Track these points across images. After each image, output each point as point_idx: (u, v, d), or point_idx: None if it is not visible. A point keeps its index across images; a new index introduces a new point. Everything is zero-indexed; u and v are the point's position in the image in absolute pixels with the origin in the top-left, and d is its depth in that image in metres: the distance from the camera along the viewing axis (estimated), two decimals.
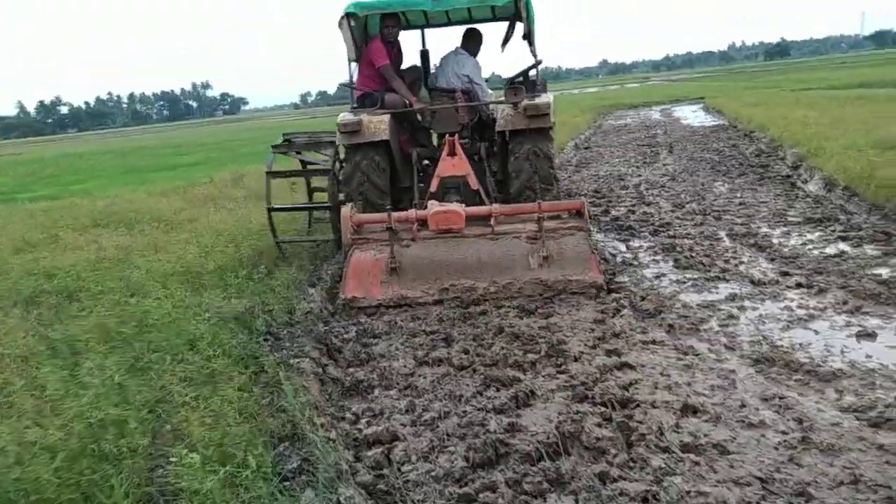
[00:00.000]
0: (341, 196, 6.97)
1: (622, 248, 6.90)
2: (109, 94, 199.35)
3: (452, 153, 6.66)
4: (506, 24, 7.89)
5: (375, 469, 3.17)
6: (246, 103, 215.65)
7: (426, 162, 7.22)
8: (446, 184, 6.63)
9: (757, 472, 2.87)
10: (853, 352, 3.99)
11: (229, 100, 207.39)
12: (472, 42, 7.42)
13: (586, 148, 16.67)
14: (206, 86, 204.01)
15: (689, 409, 3.43)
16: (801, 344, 4.14)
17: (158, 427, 3.42)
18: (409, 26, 7.86)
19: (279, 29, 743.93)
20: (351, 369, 4.39)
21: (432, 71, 7.65)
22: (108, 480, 2.87)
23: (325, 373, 4.27)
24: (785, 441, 3.08)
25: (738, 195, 8.96)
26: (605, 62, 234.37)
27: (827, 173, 8.86)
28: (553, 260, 5.61)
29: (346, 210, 6.16)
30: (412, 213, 6.03)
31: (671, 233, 7.22)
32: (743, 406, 3.44)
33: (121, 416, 3.31)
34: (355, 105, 7.09)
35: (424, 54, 8.21)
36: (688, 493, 2.76)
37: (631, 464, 3.02)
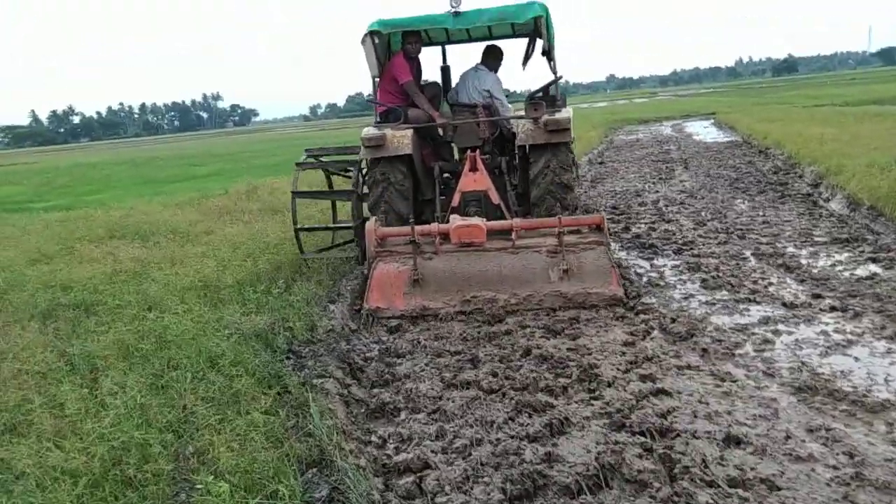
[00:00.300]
0: (365, 213, 7.08)
1: (646, 266, 6.78)
2: (121, 104, 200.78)
3: (474, 168, 6.78)
4: (525, 40, 7.98)
5: (407, 499, 3.05)
6: (256, 115, 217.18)
7: (447, 175, 7.32)
8: (468, 198, 6.72)
9: None
10: None
11: (239, 111, 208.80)
12: (491, 58, 7.53)
13: (600, 163, 16.56)
14: (217, 97, 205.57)
15: (732, 440, 3.30)
16: (842, 372, 4.00)
17: (182, 450, 3.32)
18: (430, 43, 7.96)
19: (289, 42, 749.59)
20: (375, 390, 4.28)
21: (453, 86, 7.71)
22: None
23: (350, 394, 4.17)
24: (837, 477, 2.95)
25: (761, 213, 8.83)
26: (612, 77, 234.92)
27: (850, 192, 8.73)
28: (573, 273, 5.69)
29: (370, 224, 6.27)
30: (434, 226, 6.10)
31: (695, 252, 7.10)
32: (788, 438, 3.30)
33: (144, 438, 3.21)
34: (378, 120, 7.18)
35: (445, 70, 8.31)
36: None
37: (675, 498, 2.89)
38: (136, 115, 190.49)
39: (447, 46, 8.31)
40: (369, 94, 7.38)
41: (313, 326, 5.18)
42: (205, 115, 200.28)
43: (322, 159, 7.98)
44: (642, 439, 3.35)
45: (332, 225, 8.18)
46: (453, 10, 6.66)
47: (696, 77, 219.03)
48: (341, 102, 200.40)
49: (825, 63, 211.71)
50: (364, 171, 7.28)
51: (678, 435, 3.38)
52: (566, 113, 6.84)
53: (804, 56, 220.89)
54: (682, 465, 3.09)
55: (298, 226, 7.40)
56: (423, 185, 7.21)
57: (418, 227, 6.02)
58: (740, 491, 2.89)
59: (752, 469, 3.05)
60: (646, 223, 8.83)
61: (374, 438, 3.65)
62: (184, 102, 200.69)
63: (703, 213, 9.17)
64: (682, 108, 42.45)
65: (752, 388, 3.90)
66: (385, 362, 4.70)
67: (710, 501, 2.82)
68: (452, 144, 7.56)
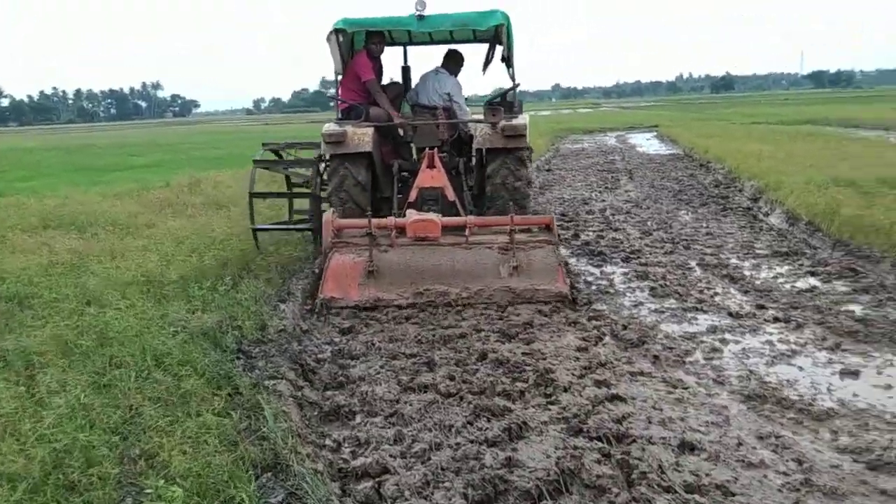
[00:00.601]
0: (323, 210, 7.21)
1: (596, 273, 6.87)
2: (54, 88, 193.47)
3: (432, 166, 6.91)
4: (486, 46, 8.18)
5: None
6: (197, 106, 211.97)
7: (405, 174, 7.43)
8: (424, 195, 6.84)
9: None
10: (840, 390, 3.99)
11: (180, 101, 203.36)
12: (452, 62, 7.73)
13: (548, 170, 16.77)
14: (157, 86, 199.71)
15: (686, 446, 3.36)
16: (788, 381, 4.13)
17: (127, 453, 3.17)
18: (392, 43, 8.13)
19: (234, 33, 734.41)
20: (329, 392, 4.19)
21: (413, 87, 7.84)
22: None
23: (303, 396, 4.07)
24: (787, 483, 3.03)
25: (704, 225, 9.08)
26: (557, 86, 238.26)
27: (788, 207, 9.06)
28: (522, 270, 5.93)
29: (327, 215, 6.42)
30: (391, 220, 6.26)
31: (643, 260, 7.23)
32: (740, 444, 3.38)
33: (88, 440, 3.05)
34: (340, 117, 7.29)
35: (406, 70, 8.47)
36: None
37: (634, 503, 2.92)
38: (70, 101, 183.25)
39: (409, 48, 8.49)
40: (332, 91, 7.58)
41: (263, 326, 5.05)
42: (143, 104, 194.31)
43: (281, 153, 8.01)
44: (600, 444, 3.37)
45: (290, 226, 8.20)
46: (418, 13, 6.79)
47: (637, 90, 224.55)
48: (286, 97, 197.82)
49: (760, 82, 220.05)
50: (323, 169, 7.47)
51: (634, 441, 3.42)
52: (523, 119, 7.03)
53: (741, 75, 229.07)
54: (639, 471, 3.12)
55: (255, 225, 7.46)
56: (381, 181, 7.34)
57: (375, 220, 6.14)
58: (696, 496, 2.94)
59: (706, 475, 3.11)
60: (594, 231, 8.96)
61: (328, 442, 3.57)
62: (122, 90, 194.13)
63: (648, 223, 9.37)
64: (626, 119, 43.43)
65: (703, 395, 3.99)
66: (338, 364, 4.61)
67: None
68: (412, 144, 7.71)
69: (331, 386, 4.29)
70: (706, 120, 36.06)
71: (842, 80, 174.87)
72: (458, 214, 6.69)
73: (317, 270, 6.23)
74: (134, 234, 8.51)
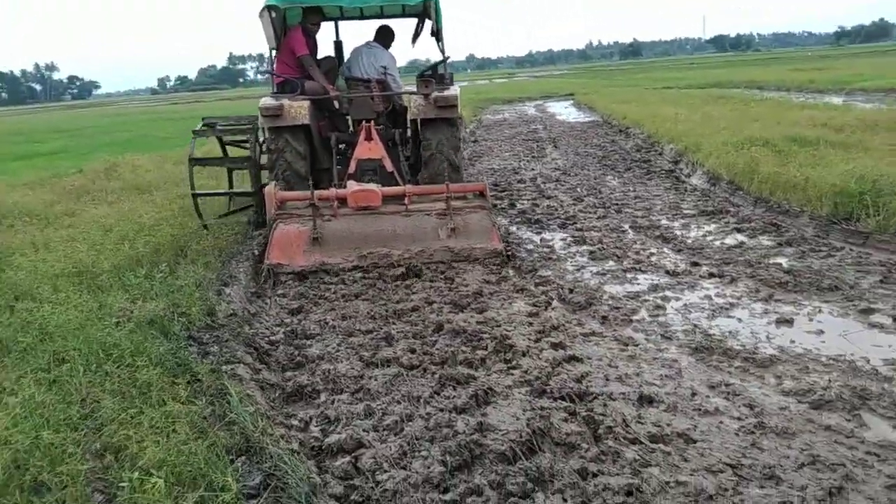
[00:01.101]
0: (264, 180, 7.45)
1: (536, 240, 7.02)
2: None
3: (369, 138, 7.15)
4: (415, 21, 8.55)
5: (345, 479, 3.00)
6: (98, 87, 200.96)
7: (343, 146, 7.68)
8: (363, 166, 7.09)
9: (726, 458, 2.98)
10: (777, 338, 4.26)
11: (78, 83, 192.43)
12: (383, 37, 7.99)
13: (474, 142, 16.86)
14: (52, 67, 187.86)
15: (645, 400, 3.53)
16: (730, 332, 4.37)
17: (89, 447, 3.07)
18: (324, 18, 8.25)
19: (134, 7, 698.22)
20: (288, 373, 4.16)
21: (345, 61, 7.99)
22: None
23: (263, 378, 4.02)
24: (743, 427, 3.23)
25: (632, 189, 9.38)
26: (472, 57, 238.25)
27: (709, 168, 9.47)
28: (460, 232, 6.34)
29: (269, 188, 6.62)
30: (333, 191, 6.53)
31: (578, 226, 7.43)
32: (694, 395, 3.57)
33: (53, 439, 2.93)
34: (276, 90, 7.56)
35: (338, 45, 8.75)
36: (667, 483, 2.82)
37: (603, 457, 3.05)
38: None
39: (340, 23, 8.77)
40: (266, 67, 7.90)
41: (211, 311, 4.94)
42: (38, 87, 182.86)
43: (218, 127, 7.96)
44: (564, 404, 3.50)
45: (229, 191, 8.25)
46: None
47: (550, 59, 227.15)
48: (193, 75, 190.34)
49: (666, 48, 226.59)
50: (262, 140, 7.71)
51: (596, 398, 3.56)
52: (454, 90, 7.31)
53: (647, 41, 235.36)
54: (605, 426, 3.25)
55: (195, 191, 7.47)
56: (319, 153, 7.56)
57: (317, 192, 6.39)
58: (661, 446, 3.10)
59: (668, 425, 3.28)
60: (528, 199, 9.12)
61: (295, 422, 3.56)
62: (12, 73, 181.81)
63: (578, 190, 9.61)
64: (541, 88, 43.99)
65: (654, 350, 4.17)
66: (294, 345, 4.57)
67: (638, 458, 3.01)
68: (347, 116, 7.93)
69: (289, 367, 4.25)
70: (619, 86, 36.98)
71: (741, 43, 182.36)
72: (396, 184, 6.99)
73: (255, 252, 6.28)
74: (54, 224, 8.08)
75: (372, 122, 7.23)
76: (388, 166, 7.10)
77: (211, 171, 10.10)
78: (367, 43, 7.83)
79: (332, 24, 8.71)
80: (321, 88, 7.39)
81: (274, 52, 7.57)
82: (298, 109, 6.96)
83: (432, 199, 6.62)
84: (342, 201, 6.43)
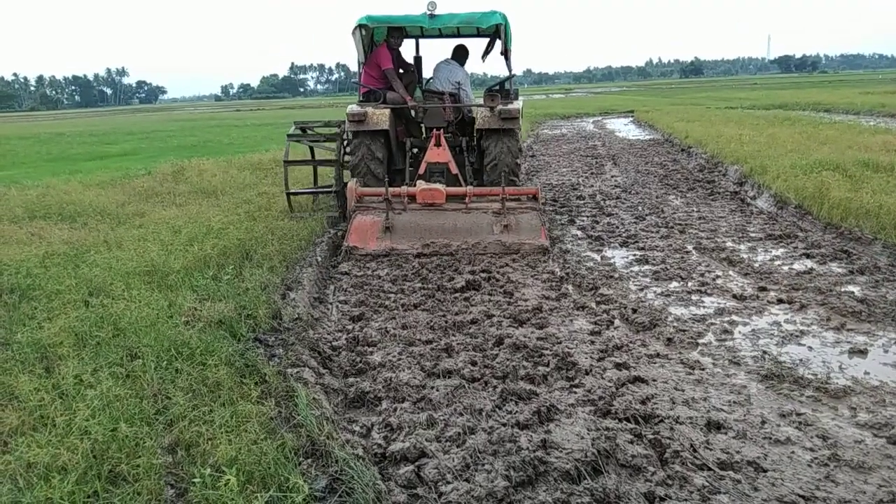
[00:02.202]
0: (346, 179, 8.48)
1: (597, 258, 6.96)
2: (15, 75, 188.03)
3: (438, 144, 8.12)
4: (486, 40, 9.39)
5: (408, 488, 3.02)
6: (164, 92, 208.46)
7: (416, 150, 8.64)
8: (432, 168, 8.09)
9: (798, 489, 2.89)
10: (851, 368, 4.12)
11: (146, 88, 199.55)
12: (460, 55, 8.91)
13: (531, 156, 16.82)
14: (122, 72, 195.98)
15: (713, 426, 3.45)
16: (800, 360, 4.25)
17: (161, 442, 3.16)
18: (407, 36, 9.23)
19: (200, 16, 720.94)
20: (350, 379, 4.21)
21: (429, 76, 9.12)
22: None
23: (326, 383, 4.08)
24: (816, 459, 3.13)
25: (695, 209, 9.21)
26: (529, 71, 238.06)
27: (776, 191, 9.23)
28: (511, 229, 7.17)
29: (351, 183, 7.68)
30: (404, 189, 7.53)
31: (640, 245, 7.34)
32: (764, 422, 3.48)
33: (130, 432, 3.03)
34: (361, 99, 8.55)
35: (418, 60, 9.70)
36: None
37: (670, 481, 2.99)
38: (32, 88, 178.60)
39: (420, 40, 9.79)
40: (355, 77, 8.91)
41: (276, 314, 5.04)
42: (109, 90, 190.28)
43: (307, 130, 9.44)
44: (630, 425, 3.45)
45: (316, 188, 9.78)
46: (429, 13, 7.92)
47: (608, 75, 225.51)
48: (255, 83, 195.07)
49: (728, 67, 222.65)
50: (346, 143, 8.80)
51: (662, 420, 3.50)
52: (517, 104, 8.11)
53: (709, 60, 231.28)
54: (672, 450, 3.20)
55: (289, 190, 8.94)
56: (395, 156, 8.61)
57: (391, 189, 7.38)
58: (731, 473, 3.03)
59: (737, 452, 3.20)
60: (588, 216, 9.05)
61: (357, 428, 3.60)
62: (85, 77, 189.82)
63: (639, 208, 9.49)
64: (600, 104, 43.65)
65: (721, 375, 4.08)
66: (356, 351, 4.63)
67: (706, 484, 2.94)
68: (422, 124, 8.78)
69: (351, 373, 4.31)
70: (680, 105, 36.41)
71: (807, 64, 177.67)
72: (460, 185, 7.93)
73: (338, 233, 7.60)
74: (125, 223, 8.38)
75: (442, 130, 8.18)
76: (453, 169, 8.06)
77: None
78: (446, 60, 8.77)
79: (412, 41, 9.71)
80: (401, 99, 8.33)
81: (361, 65, 8.54)
82: (380, 116, 7.95)
83: (490, 200, 7.48)
84: (412, 198, 7.42)
